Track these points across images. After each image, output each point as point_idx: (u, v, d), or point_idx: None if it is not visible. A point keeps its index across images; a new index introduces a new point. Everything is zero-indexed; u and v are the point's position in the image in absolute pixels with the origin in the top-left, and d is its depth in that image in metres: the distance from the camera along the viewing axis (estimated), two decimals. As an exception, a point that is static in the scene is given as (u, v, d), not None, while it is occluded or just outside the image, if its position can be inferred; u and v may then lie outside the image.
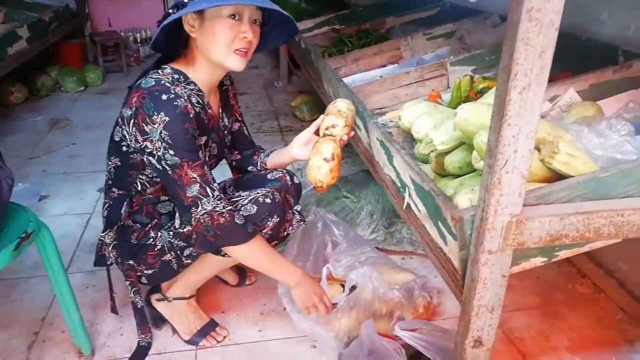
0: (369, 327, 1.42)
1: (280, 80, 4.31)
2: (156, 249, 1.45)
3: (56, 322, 1.70)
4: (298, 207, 1.66)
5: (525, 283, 1.86)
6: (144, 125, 1.28)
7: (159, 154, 1.29)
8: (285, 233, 1.57)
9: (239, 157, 1.76)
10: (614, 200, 1.06)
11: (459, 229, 1.05)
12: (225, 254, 1.43)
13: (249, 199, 1.44)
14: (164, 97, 1.27)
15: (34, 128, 3.44)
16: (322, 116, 1.55)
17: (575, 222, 1.01)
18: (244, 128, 1.75)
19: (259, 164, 1.73)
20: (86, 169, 2.82)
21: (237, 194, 1.48)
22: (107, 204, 1.53)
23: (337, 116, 1.49)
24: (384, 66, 2.42)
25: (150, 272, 1.49)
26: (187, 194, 1.30)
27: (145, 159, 1.34)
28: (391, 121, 1.90)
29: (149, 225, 1.48)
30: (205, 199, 1.30)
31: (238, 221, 1.34)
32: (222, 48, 1.33)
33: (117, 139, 1.43)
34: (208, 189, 1.31)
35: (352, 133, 1.55)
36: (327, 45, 2.93)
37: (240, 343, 1.64)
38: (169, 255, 1.44)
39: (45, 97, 4.08)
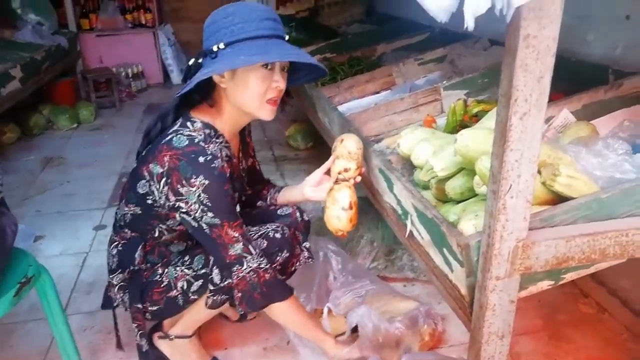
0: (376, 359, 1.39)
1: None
2: (162, 285, 1.43)
3: (55, 367, 1.66)
4: (307, 244, 1.65)
5: (528, 305, 1.85)
6: (178, 186, 1.26)
7: (196, 215, 1.28)
8: (293, 269, 1.58)
9: (249, 192, 1.73)
10: (618, 220, 1.06)
11: (465, 255, 1.04)
12: None
13: (259, 233, 1.44)
14: (202, 159, 1.26)
15: (27, 167, 3.42)
16: (332, 156, 1.51)
17: (580, 244, 1.01)
18: (257, 163, 1.74)
19: (268, 199, 1.73)
20: (81, 207, 2.80)
21: (246, 229, 1.47)
22: (117, 243, 1.49)
23: (348, 159, 1.47)
24: (377, 93, 2.44)
25: (155, 308, 1.46)
26: (230, 252, 1.31)
27: (177, 215, 1.33)
28: (387, 148, 1.90)
29: (159, 264, 1.47)
30: (249, 257, 1.32)
31: (280, 278, 1.40)
32: (255, 98, 1.32)
33: (141, 192, 1.37)
34: (251, 247, 1.33)
35: (364, 169, 1.54)
36: (319, 74, 2.95)
37: (244, 380, 1.60)
38: (175, 291, 1.42)
39: (38, 136, 4.07)
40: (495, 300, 1.01)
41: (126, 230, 1.48)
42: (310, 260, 1.63)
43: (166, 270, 1.44)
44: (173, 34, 5.63)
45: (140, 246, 1.45)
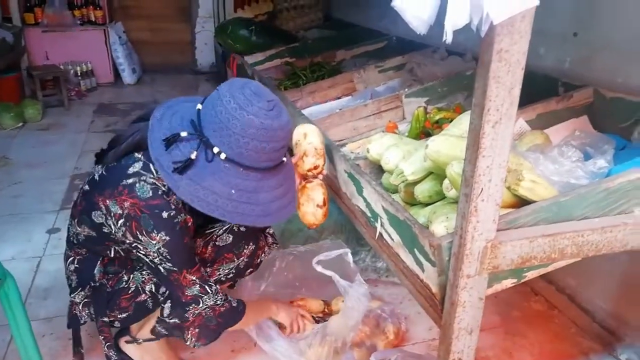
0: (349, 358, 1.43)
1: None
2: (130, 291, 1.40)
3: (13, 375, 1.60)
4: (270, 230, 1.67)
5: (485, 302, 1.93)
6: (137, 233, 1.22)
7: (154, 260, 1.27)
8: (259, 260, 1.59)
9: None
10: (574, 222, 1.15)
11: (438, 255, 1.10)
12: None
13: (223, 228, 1.46)
14: (165, 215, 1.21)
15: (-31, 168, 3.25)
16: (297, 153, 1.51)
17: (542, 244, 1.09)
18: None
19: None
20: (32, 209, 2.69)
21: (209, 226, 1.48)
22: (73, 259, 1.45)
23: (316, 156, 1.49)
24: (338, 98, 2.50)
25: (124, 315, 1.42)
26: (186, 293, 1.32)
27: (133, 251, 1.30)
28: (352, 152, 1.95)
29: (123, 272, 1.43)
30: (205, 297, 1.33)
31: (234, 304, 1.42)
32: None
33: (96, 221, 1.30)
34: (207, 287, 1.34)
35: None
36: (281, 78, 2.98)
37: (213, 382, 1.60)
38: (144, 295, 1.41)
39: (-21, 134, 3.87)
40: (465, 298, 1.08)
41: (81, 248, 1.44)
42: (275, 245, 1.67)
43: (132, 275, 1.41)
44: (124, 32, 5.49)
45: (98, 262, 1.42)
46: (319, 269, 1.60)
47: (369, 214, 1.46)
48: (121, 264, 1.43)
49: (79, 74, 5.04)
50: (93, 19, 5.24)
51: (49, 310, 1.88)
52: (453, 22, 0.85)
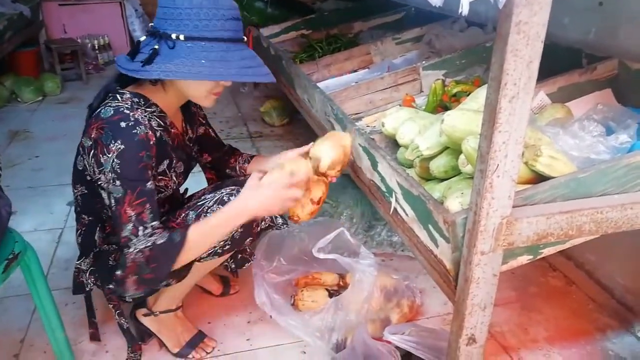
0: (363, 331, 1.44)
1: (247, 86, 4.29)
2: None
3: (36, 343, 1.65)
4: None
5: (501, 277, 1.89)
6: (100, 156, 1.24)
7: (108, 187, 1.25)
8: (259, 229, 1.55)
9: (209, 159, 1.74)
10: (594, 198, 1.12)
11: (452, 231, 1.09)
12: (201, 258, 1.42)
13: (214, 199, 1.44)
14: (123, 124, 1.25)
15: (-9, 141, 3.31)
16: (316, 143, 1.49)
17: (559, 221, 1.07)
18: (210, 130, 1.72)
19: (237, 168, 1.72)
20: (52, 182, 2.74)
21: (202, 197, 1.48)
22: (79, 230, 1.51)
23: (342, 159, 1.46)
24: (355, 71, 2.46)
25: None
26: (122, 234, 1.26)
27: (102, 193, 1.31)
28: (367, 126, 1.94)
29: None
30: (135, 239, 1.26)
31: (160, 241, 1.27)
32: (202, 93, 1.35)
33: (80, 168, 1.39)
34: (140, 228, 1.26)
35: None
36: (296, 50, 2.95)
37: (229, 353, 1.64)
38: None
39: (1, 109, 3.93)
40: (479, 274, 1.07)
41: (83, 215, 1.48)
42: (285, 226, 1.64)
43: None
44: (140, 6, 5.46)
45: (98, 228, 1.46)
46: (321, 256, 1.58)
47: (383, 189, 1.45)
48: None
49: (97, 48, 5.05)
50: (109, -9, 5.21)
51: (71, 280, 1.92)
52: (470, -7, 0.82)
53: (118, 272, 1.30)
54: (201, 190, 1.71)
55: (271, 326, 1.71)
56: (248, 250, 1.70)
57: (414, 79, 2.09)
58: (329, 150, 1.44)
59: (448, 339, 1.21)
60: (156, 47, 1.24)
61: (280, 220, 1.63)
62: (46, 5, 4.96)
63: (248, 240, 1.51)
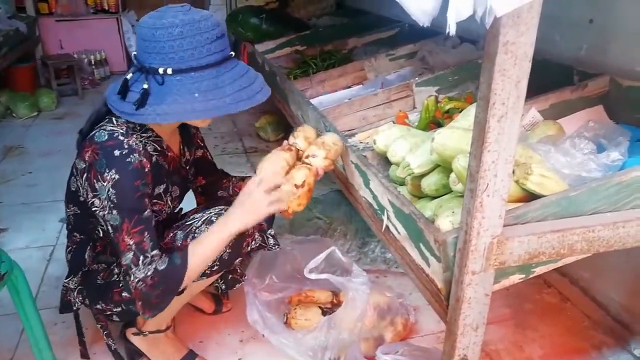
0: (355, 350, 1.43)
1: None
2: (120, 285, 1.40)
3: (25, 363, 1.63)
4: (272, 231, 1.66)
5: (496, 295, 1.88)
6: (95, 181, 1.24)
7: (105, 214, 1.25)
8: (249, 249, 1.53)
9: (203, 182, 1.72)
10: (585, 217, 1.12)
11: (443, 251, 1.08)
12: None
13: (202, 220, 1.43)
14: (117, 152, 1.23)
15: (-15, 157, 3.30)
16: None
17: (551, 240, 1.06)
18: (207, 153, 1.71)
19: (230, 188, 1.71)
20: (46, 198, 2.72)
21: (190, 217, 1.47)
22: (69, 248, 1.50)
23: (319, 147, 1.49)
24: (349, 87, 2.47)
25: (119, 309, 1.43)
26: (123, 262, 1.26)
27: (98, 217, 1.30)
28: (361, 142, 1.93)
29: (114, 264, 1.44)
30: (135, 268, 1.25)
31: (162, 267, 1.27)
32: (198, 120, 1.34)
33: (73, 189, 1.38)
34: (141, 257, 1.25)
35: (332, 167, 1.53)
36: (291, 66, 2.96)
37: (220, 373, 1.62)
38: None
39: (-5, 124, 3.92)
40: (471, 294, 1.06)
41: (75, 233, 1.48)
42: (276, 247, 1.61)
43: (122, 269, 1.41)
44: (137, 21, 5.49)
45: (89, 247, 1.45)
46: (312, 276, 1.56)
47: (375, 207, 1.45)
48: (113, 253, 1.45)
49: (93, 63, 5.06)
50: (106, 7, 5.25)
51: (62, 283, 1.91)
52: (456, 13, 0.81)
53: (125, 294, 1.34)
54: (190, 210, 1.69)
55: (263, 345, 1.69)
56: (239, 270, 1.68)
57: (407, 95, 2.09)
58: (305, 131, 1.54)
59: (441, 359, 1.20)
60: (145, 86, 1.20)
61: (271, 241, 1.61)
62: (43, 20, 4.99)
63: (237, 260, 1.51)
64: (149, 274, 1.26)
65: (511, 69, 0.88)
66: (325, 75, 2.54)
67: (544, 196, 1.12)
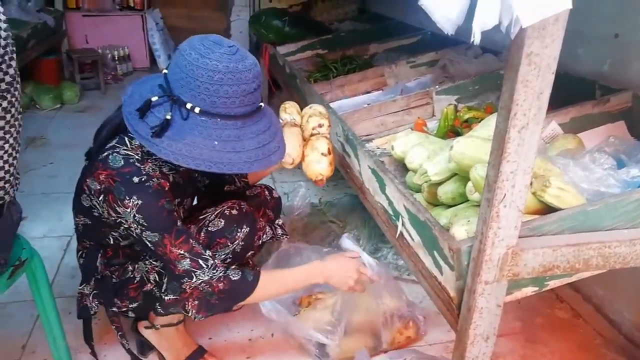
0: (363, 356, 1.43)
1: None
2: (136, 281, 1.42)
3: (38, 350, 1.66)
4: (279, 221, 1.67)
5: (507, 307, 1.87)
6: (115, 206, 1.23)
7: (137, 231, 1.25)
8: (260, 242, 1.55)
9: (207, 182, 1.71)
10: (602, 232, 1.11)
11: (457, 259, 1.08)
12: None
13: (215, 213, 1.44)
14: (135, 179, 1.22)
15: (8, 146, 3.35)
16: (302, 119, 1.63)
17: (566, 254, 1.06)
18: None
19: (237, 180, 1.72)
20: (65, 189, 2.75)
21: (203, 212, 1.48)
22: (80, 252, 1.50)
23: (320, 117, 1.60)
24: (368, 92, 2.48)
25: (134, 305, 1.44)
26: (178, 267, 1.27)
27: (123, 230, 1.31)
28: (378, 148, 1.94)
29: (128, 263, 1.45)
30: (199, 271, 1.28)
31: (236, 278, 1.32)
32: None
33: (85, 205, 1.34)
34: (201, 261, 1.28)
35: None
36: (311, 69, 2.97)
37: (228, 370, 1.63)
38: (149, 284, 1.41)
39: (19, 114, 3.99)
40: (483, 304, 1.06)
41: (84, 240, 1.47)
42: (285, 237, 1.65)
43: (136, 265, 1.43)
44: (161, 19, 5.56)
45: (100, 255, 1.44)
46: (346, 243, 1.64)
47: (390, 212, 1.45)
48: (125, 256, 1.45)
49: (116, 59, 5.13)
50: (132, 4, 5.31)
51: (76, 289, 1.93)
52: (482, 23, 0.82)
53: (169, 297, 1.36)
54: (200, 203, 1.71)
55: (272, 345, 1.70)
56: (250, 263, 1.70)
57: (426, 103, 2.09)
58: (293, 106, 1.65)
59: (449, 368, 1.20)
60: (168, 117, 1.17)
61: (280, 231, 1.64)
62: (70, 15, 5.07)
63: (249, 253, 1.52)
64: (215, 277, 1.29)
65: (534, 80, 0.88)
66: (346, 80, 2.55)
67: (560, 209, 1.12)
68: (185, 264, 1.27)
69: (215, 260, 1.31)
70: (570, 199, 1.12)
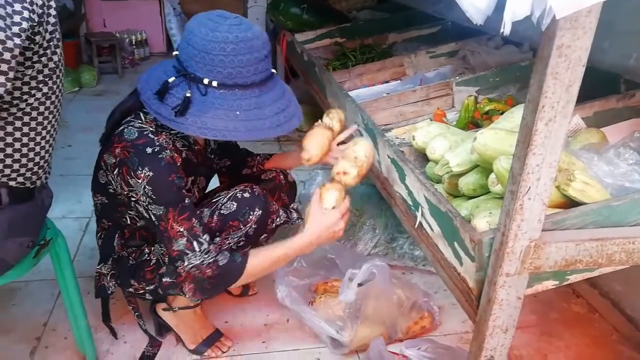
0: (379, 344, 1.44)
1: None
2: (152, 264, 1.44)
3: (58, 328, 1.69)
4: (294, 205, 1.67)
5: (523, 300, 1.90)
6: (128, 178, 1.25)
7: (145, 205, 1.27)
8: (274, 225, 1.55)
9: (228, 162, 1.75)
10: (626, 227, 1.10)
11: (478, 251, 1.08)
12: None
13: (227, 196, 1.45)
14: (149, 150, 1.24)
15: (28, 128, 3.39)
16: (342, 154, 1.51)
17: (589, 248, 1.05)
18: None
19: (255, 165, 1.75)
20: (83, 171, 2.78)
21: (216, 195, 1.49)
22: (99, 234, 1.54)
23: (352, 164, 1.46)
24: (387, 82, 2.46)
25: (151, 287, 1.46)
26: (174, 247, 1.28)
27: (132, 205, 1.33)
28: (397, 138, 1.93)
29: (144, 245, 1.48)
30: (191, 254, 1.28)
31: (223, 262, 1.31)
32: None
33: (102, 182, 1.39)
34: (195, 243, 1.28)
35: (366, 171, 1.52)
36: (329, 58, 2.96)
37: (244, 354, 1.65)
38: (165, 267, 1.42)
39: (38, 97, 4.03)
40: (503, 296, 1.06)
41: (103, 220, 1.50)
42: (299, 220, 1.63)
43: (152, 248, 1.45)
44: (179, 4, 5.57)
45: (117, 235, 1.47)
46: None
47: (410, 202, 1.45)
48: (142, 237, 1.48)
49: (134, 43, 5.15)
50: (150, -11, 5.33)
51: (95, 269, 1.97)
52: (513, 13, 0.81)
53: (166, 279, 1.37)
54: (215, 188, 1.73)
55: (287, 330, 1.72)
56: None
57: (446, 94, 2.08)
58: (339, 114, 1.65)
59: (465, 359, 1.20)
60: (189, 94, 1.20)
61: (295, 215, 1.64)
62: (88, -2, 5.10)
63: (263, 237, 1.52)
64: (205, 262, 1.29)
65: (564, 72, 0.87)
66: (364, 69, 2.54)
67: (584, 204, 1.11)
68: (181, 243, 1.27)
69: (210, 246, 1.31)
70: (595, 193, 1.11)
